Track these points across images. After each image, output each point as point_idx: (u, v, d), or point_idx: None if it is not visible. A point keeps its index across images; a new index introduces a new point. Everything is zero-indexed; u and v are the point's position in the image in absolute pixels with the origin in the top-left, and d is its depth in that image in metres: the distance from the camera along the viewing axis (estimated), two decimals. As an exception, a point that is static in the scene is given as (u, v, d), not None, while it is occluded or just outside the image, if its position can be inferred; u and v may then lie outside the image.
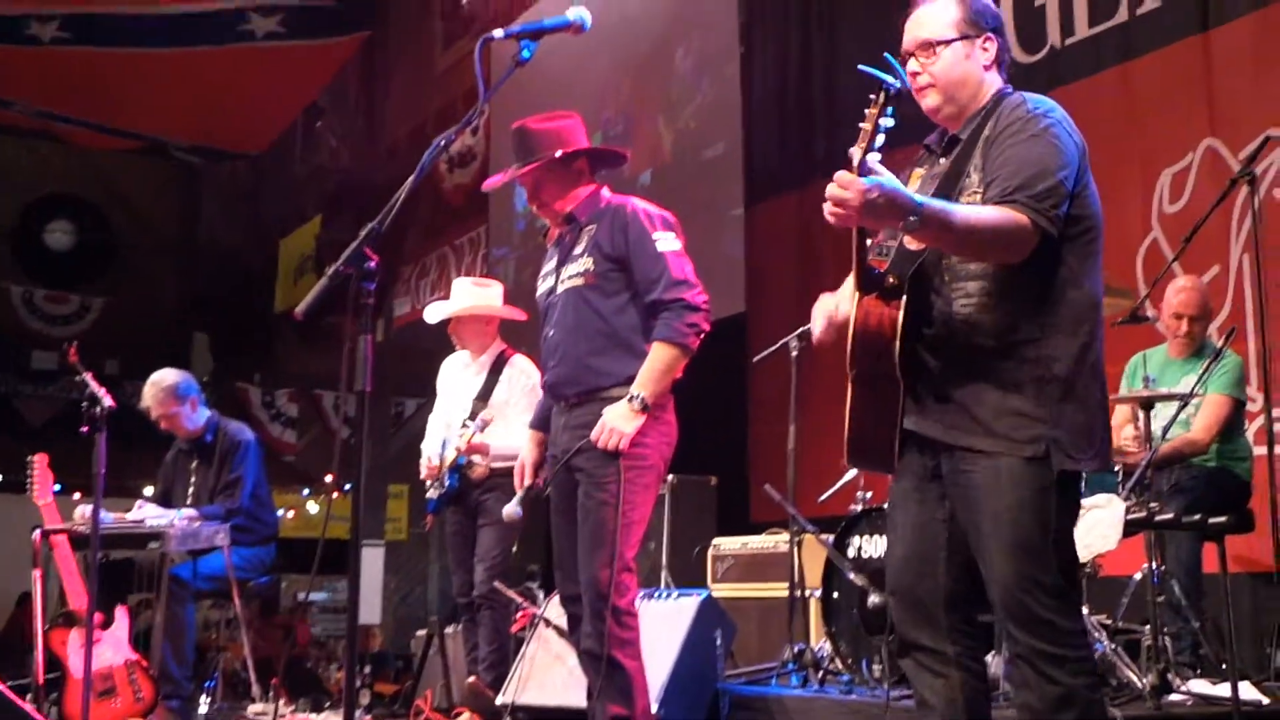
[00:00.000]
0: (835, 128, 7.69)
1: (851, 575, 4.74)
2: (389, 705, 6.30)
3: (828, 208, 2.38)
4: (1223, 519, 4.20)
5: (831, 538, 4.97)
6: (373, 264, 2.52)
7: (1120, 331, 4.32)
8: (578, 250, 3.78)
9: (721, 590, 5.80)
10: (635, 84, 9.38)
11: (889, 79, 2.40)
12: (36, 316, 15.29)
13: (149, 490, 6.22)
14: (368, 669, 7.81)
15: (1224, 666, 4.15)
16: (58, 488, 5.48)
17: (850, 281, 2.62)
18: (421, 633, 6.49)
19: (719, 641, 4.70)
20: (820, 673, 4.73)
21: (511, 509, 3.88)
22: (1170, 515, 4.16)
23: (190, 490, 5.85)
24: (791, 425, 5.15)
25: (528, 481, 3.92)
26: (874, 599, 4.61)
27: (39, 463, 5.44)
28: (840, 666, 4.76)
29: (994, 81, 2.72)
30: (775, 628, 5.41)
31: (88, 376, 4.85)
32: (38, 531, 5.36)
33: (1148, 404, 4.33)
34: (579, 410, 3.70)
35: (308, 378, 13.97)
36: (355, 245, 2.53)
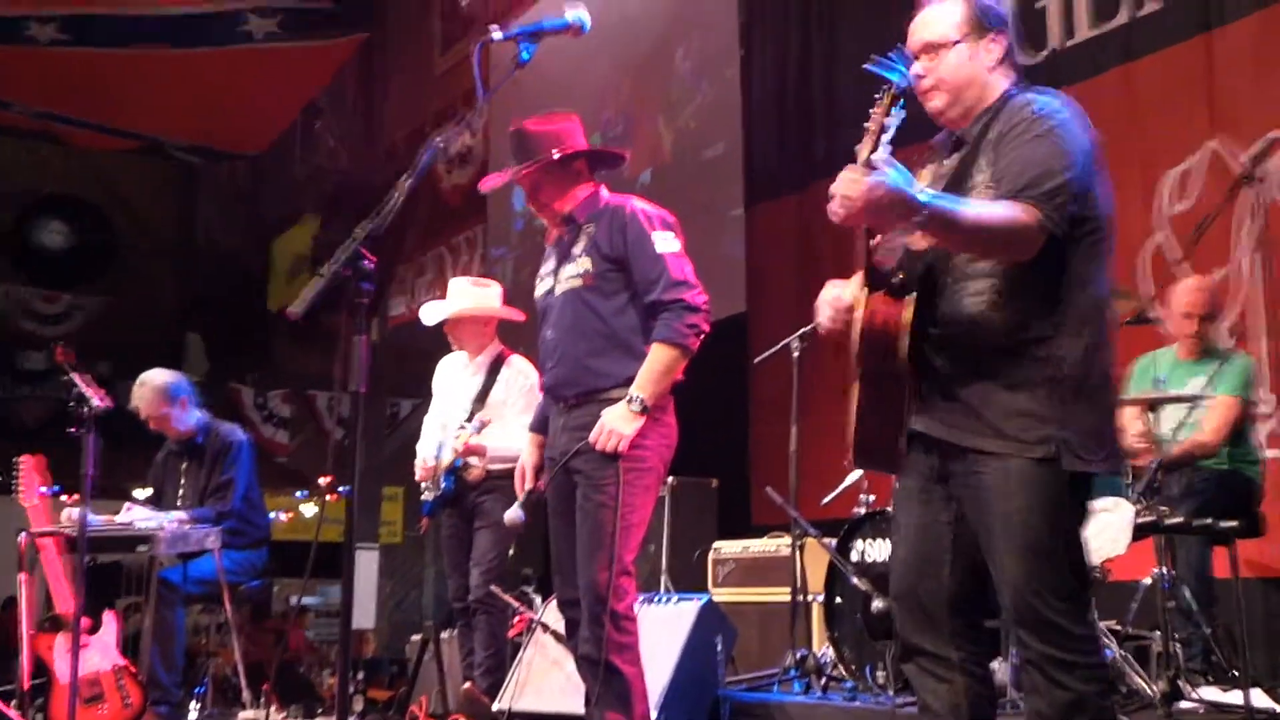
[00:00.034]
0: (835, 128, 7.66)
1: (855, 579, 4.71)
2: (383, 711, 6.27)
3: (833, 205, 2.37)
4: (1234, 523, 4.18)
5: (834, 541, 4.94)
6: (370, 264, 2.52)
7: (1126, 332, 4.29)
8: (576, 251, 3.76)
9: (722, 594, 5.76)
10: (635, 84, 9.37)
11: (895, 76, 2.39)
12: (29, 317, 15.27)
13: (139, 492, 6.16)
14: (361, 674, 7.76)
15: (1236, 673, 4.12)
16: (54, 489, 5.43)
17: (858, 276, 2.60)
18: (416, 637, 6.44)
19: (720, 647, 4.67)
20: (823, 679, 4.71)
21: (513, 514, 3.86)
22: (1180, 519, 4.13)
23: (181, 492, 5.80)
24: (793, 427, 5.13)
25: (528, 485, 3.90)
26: (878, 604, 4.58)
27: (25, 464, 5.39)
28: (843, 673, 4.74)
29: (1000, 81, 2.69)
30: (777, 633, 5.38)
31: (75, 377, 4.80)
32: (24, 534, 5.30)
33: (1156, 406, 4.29)
34: (578, 412, 3.68)
35: (302, 378, 13.95)
36: (353, 245, 2.53)
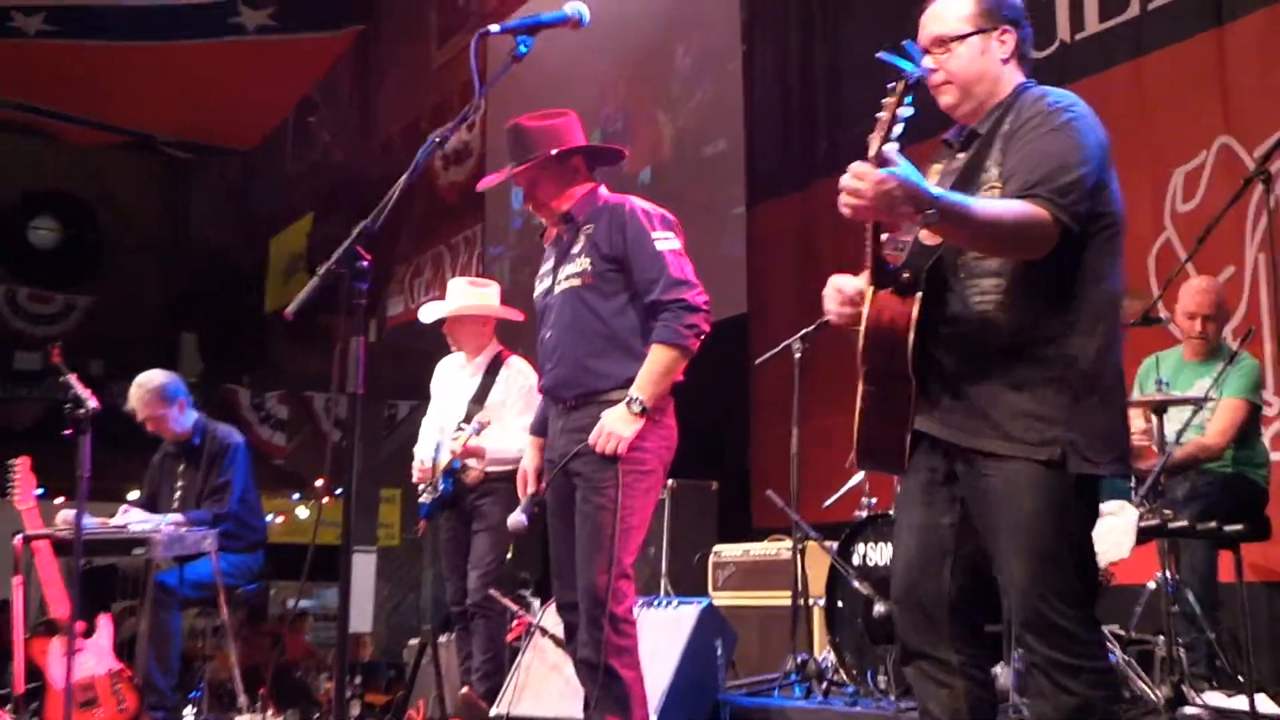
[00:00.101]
0: (838, 127, 7.69)
1: (856, 583, 4.73)
2: (380, 716, 6.29)
3: (841, 199, 2.35)
4: (1239, 526, 4.18)
5: (836, 544, 4.95)
6: (365, 263, 2.52)
7: (1133, 333, 4.30)
8: (575, 250, 3.77)
9: (722, 598, 5.78)
10: (635, 80, 9.39)
11: (908, 67, 2.36)
12: (20, 316, 15.27)
13: (134, 494, 6.20)
14: (358, 679, 7.80)
15: (1240, 678, 4.14)
16: (40, 491, 5.46)
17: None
18: (414, 641, 6.47)
19: (720, 651, 4.69)
20: (824, 684, 4.72)
21: (516, 518, 3.86)
22: (1185, 522, 4.14)
23: (177, 494, 5.83)
24: (794, 429, 5.14)
25: (531, 489, 3.89)
26: (879, 608, 4.60)
27: (21, 466, 5.42)
28: (845, 677, 4.75)
29: (1013, 75, 2.69)
30: (778, 637, 5.40)
31: (71, 378, 4.84)
32: (18, 537, 5.34)
33: (1161, 408, 4.32)
34: (577, 414, 3.70)
35: (298, 379, 13.96)
36: (347, 244, 2.52)
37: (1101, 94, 5.95)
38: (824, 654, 4.98)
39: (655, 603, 4.96)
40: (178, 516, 5.61)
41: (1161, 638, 4.02)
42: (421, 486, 5.05)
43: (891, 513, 4.82)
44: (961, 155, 2.69)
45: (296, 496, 14.10)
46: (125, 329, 14.94)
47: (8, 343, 14.79)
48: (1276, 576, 4.93)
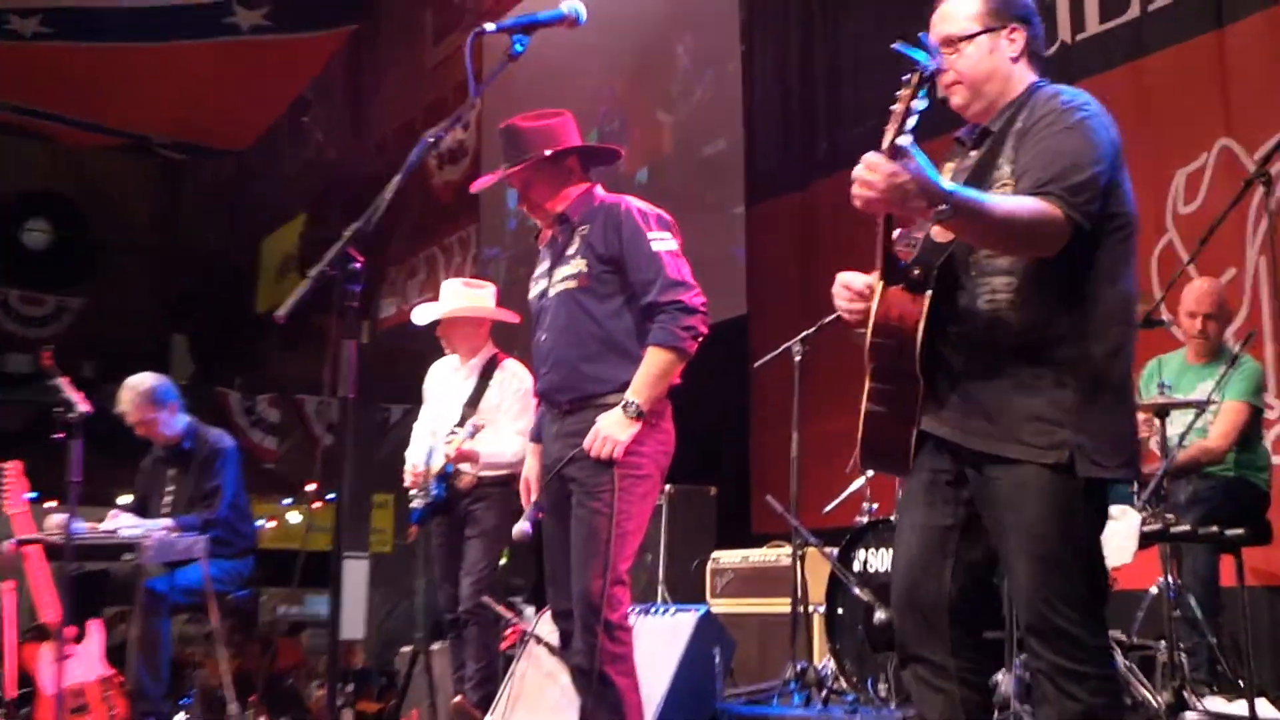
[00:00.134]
0: (837, 126, 7.71)
1: (857, 590, 4.74)
2: (372, 724, 6.28)
3: (853, 190, 2.34)
4: (1241, 531, 4.20)
5: (836, 551, 4.96)
6: (357, 265, 2.51)
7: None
8: (570, 251, 3.76)
9: (721, 606, 5.79)
10: (633, 79, 9.40)
11: (924, 59, 2.34)
12: (11, 318, 15.27)
13: (124, 499, 6.20)
14: (350, 687, 7.77)
15: (1241, 684, 4.15)
16: (31, 495, 5.46)
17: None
18: (406, 649, 6.47)
19: (718, 659, 4.69)
20: (824, 692, 4.73)
21: (520, 527, 3.86)
22: (1186, 527, 4.15)
23: (167, 499, 5.84)
24: (794, 433, 5.14)
25: (534, 497, 3.88)
26: (880, 615, 4.60)
27: (11, 470, 5.42)
28: (845, 685, 4.76)
29: (1025, 73, 2.69)
30: (777, 645, 5.40)
31: (62, 381, 4.84)
32: (9, 542, 5.34)
33: (1163, 411, 4.33)
34: (572, 418, 3.69)
35: (290, 382, 13.96)
36: (339, 246, 2.52)
37: (1102, 95, 5.87)
38: (824, 662, 4.98)
39: (652, 610, 4.97)
40: (168, 522, 5.61)
41: (1163, 643, 4.04)
42: (413, 491, 5.04)
43: (893, 518, 4.83)
44: (974, 153, 2.69)
45: (288, 501, 14.07)
46: (117, 331, 14.94)
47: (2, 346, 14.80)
48: (1278, 581, 4.94)
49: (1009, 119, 2.63)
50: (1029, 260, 2.49)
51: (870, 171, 2.31)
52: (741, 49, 8.40)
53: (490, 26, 2.83)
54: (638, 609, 4.72)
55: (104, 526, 5.62)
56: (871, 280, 2.57)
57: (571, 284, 3.72)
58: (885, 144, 2.31)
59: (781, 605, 5.35)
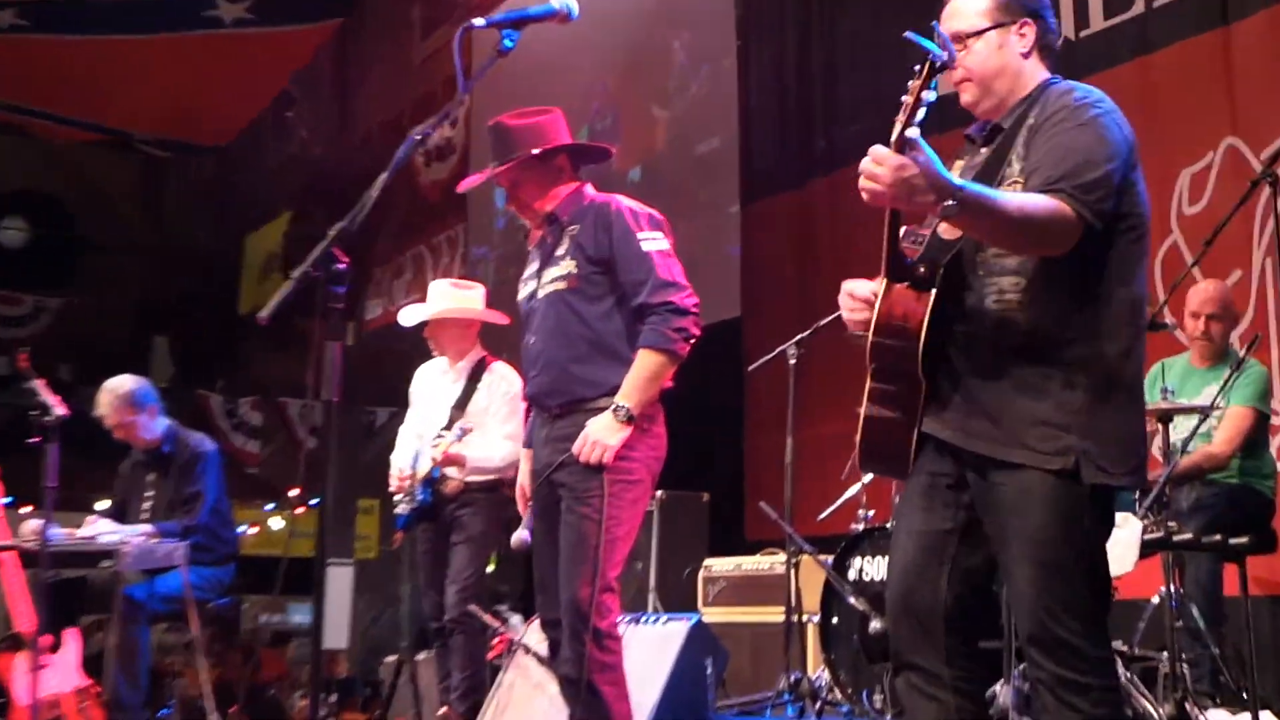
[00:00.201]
0: (834, 124, 7.72)
1: (852, 599, 4.74)
2: (357, 736, 6.28)
3: (860, 183, 2.33)
4: (1244, 539, 4.21)
5: (831, 559, 4.97)
6: (342, 266, 2.51)
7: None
8: (559, 252, 3.77)
9: (713, 614, 5.80)
10: (626, 75, 9.41)
11: (936, 49, 2.32)
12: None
13: (103, 504, 6.19)
14: (333, 697, 7.78)
15: (1245, 695, 4.16)
16: (6, 501, 5.45)
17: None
18: (391, 659, 6.47)
19: (710, 670, 4.70)
20: (818, 703, 4.74)
21: (519, 535, 3.87)
22: (1189, 535, 4.16)
23: (146, 505, 5.83)
24: (789, 438, 5.15)
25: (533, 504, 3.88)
26: (876, 624, 4.61)
27: (-16, 476, 5.42)
28: (839, 696, 4.77)
29: (1036, 69, 2.69)
30: (770, 655, 5.41)
31: (38, 384, 4.84)
32: (-17, 548, 5.33)
33: (1166, 417, 4.34)
34: (562, 422, 3.69)
35: (273, 384, 13.95)
36: (323, 246, 2.52)
37: (1107, 92, 5.98)
38: (818, 672, 4.99)
39: (643, 619, 4.98)
40: (147, 528, 5.62)
41: (1165, 654, 4.04)
42: (398, 497, 5.04)
43: (889, 526, 4.84)
44: (984, 150, 2.69)
45: (270, 507, 14.06)
46: (96, 332, 14.92)
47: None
48: (1283, 590, 4.96)
49: (1020, 115, 2.62)
50: (1038, 260, 2.48)
51: (877, 164, 2.30)
52: (737, 45, 8.41)
53: (479, 21, 2.83)
54: (627, 618, 4.72)
55: (81, 533, 5.62)
56: (876, 287, 2.55)
57: (561, 285, 3.72)
58: (894, 136, 2.29)
59: (775, 614, 5.35)
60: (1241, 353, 4.75)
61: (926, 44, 2.32)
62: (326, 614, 2.80)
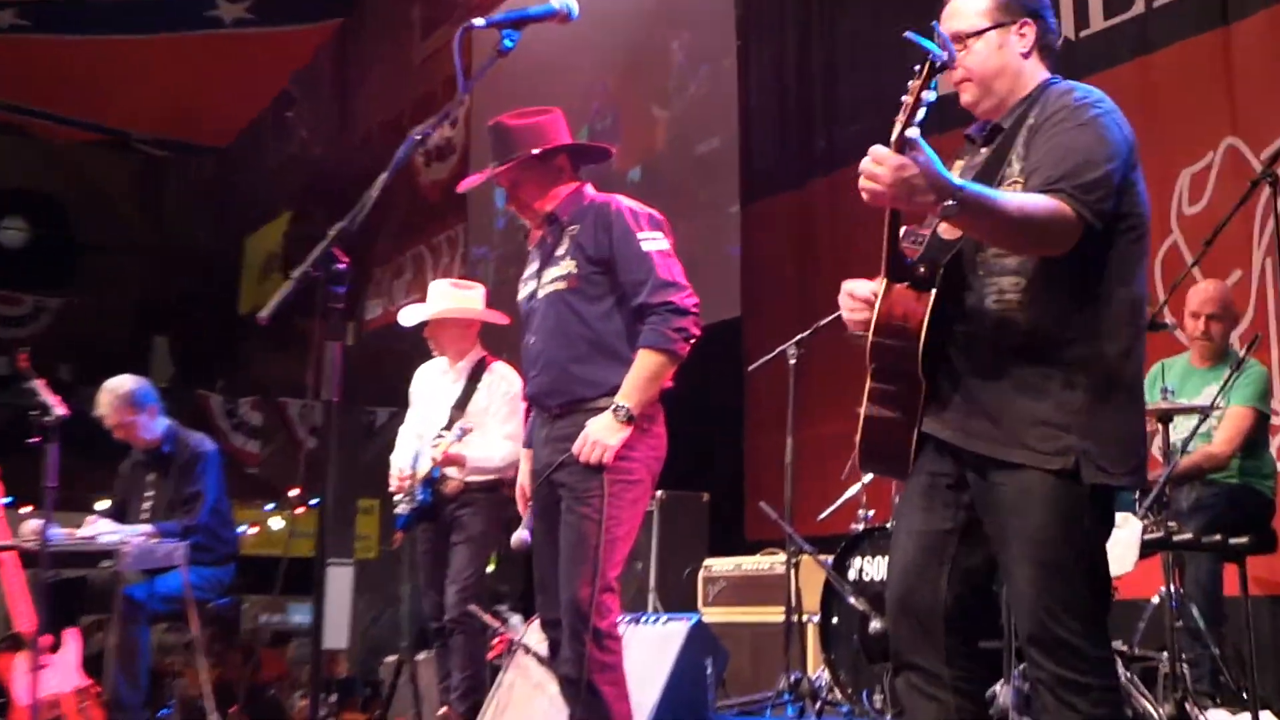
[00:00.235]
0: (835, 124, 7.72)
1: (852, 599, 4.75)
2: (356, 735, 6.29)
3: (860, 183, 2.33)
4: (1244, 539, 4.21)
5: (831, 559, 4.97)
6: (342, 266, 2.51)
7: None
8: (559, 252, 3.77)
9: (713, 614, 5.80)
10: (626, 75, 9.42)
11: (935, 49, 2.32)
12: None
13: (102, 504, 6.20)
14: (333, 697, 7.79)
15: (1245, 695, 4.16)
16: (7, 500, 5.46)
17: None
18: (391, 659, 6.48)
19: (710, 670, 4.70)
20: (818, 703, 4.75)
21: (520, 535, 3.87)
22: (1189, 535, 4.16)
23: (146, 504, 5.84)
24: (789, 438, 5.16)
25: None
26: (876, 624, 4.62)
27: (-15, 475, 5.43)
28: (839, 697, 4.77)
29: (1036, 69, 2.69)
30: (770, 655, 5.41)
31: (38, 384, 4.84)
32: (-17, 548, 5.34)
33: (1166, 417, 4.34)
34: (562, 422, 3.70)
35: (273, 384, 13.95)
36: (323, 246, 2.52)
37: (1106, 92, 5.97)
38: (818, 673, 4.99)
39: (643, 619, 4.98)
40: (147, 528, 5.62)
41: (1164, 654, 4.04)
42: (398, 497, 5.05)
43: (889, 526, 4.85)
44: (984, 150, 2.70)
45: (270, 507, 14.06)
46: (96, 332, 14.93)
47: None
48: (1283, 590, 4.96)
49: (1020, 115, 2.63)
50: (1038, 260, 2.49)
51: (877, 164, 2.30)
52: (737, 44, 8.42)
53: (479, 21, 2.83)
54: (627, 618, 4.73)
55: (81, 533, 5.62)
56: (876, 287, 2.56)
57: (561, 285, 3.72)
58: (893, 136, 2.30)
59: (775, 614, 5.36)
60: (1241, 353, 4.75)
61: (926, 44, 2.32)
62: (326, 614, 2.81)
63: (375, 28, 13.25)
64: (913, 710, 2.63)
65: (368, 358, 11.40)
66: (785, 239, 7.98)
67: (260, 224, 15.25)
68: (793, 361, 5.20)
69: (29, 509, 6.63)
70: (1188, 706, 3.91)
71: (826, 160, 7.68)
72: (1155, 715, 3.91)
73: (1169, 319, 4.92)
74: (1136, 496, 4.26)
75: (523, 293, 3.93)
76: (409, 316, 5.28)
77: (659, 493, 6.25)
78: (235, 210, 16.10)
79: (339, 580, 11.34)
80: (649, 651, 4.62)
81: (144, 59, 12.54)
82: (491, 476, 4.99)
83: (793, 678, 4.89)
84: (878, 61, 6.95)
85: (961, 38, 2.67)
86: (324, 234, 2.53)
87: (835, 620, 4.95)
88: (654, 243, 3.70)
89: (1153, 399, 4.63)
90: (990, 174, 2.58)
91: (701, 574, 6.14)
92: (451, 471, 4.97)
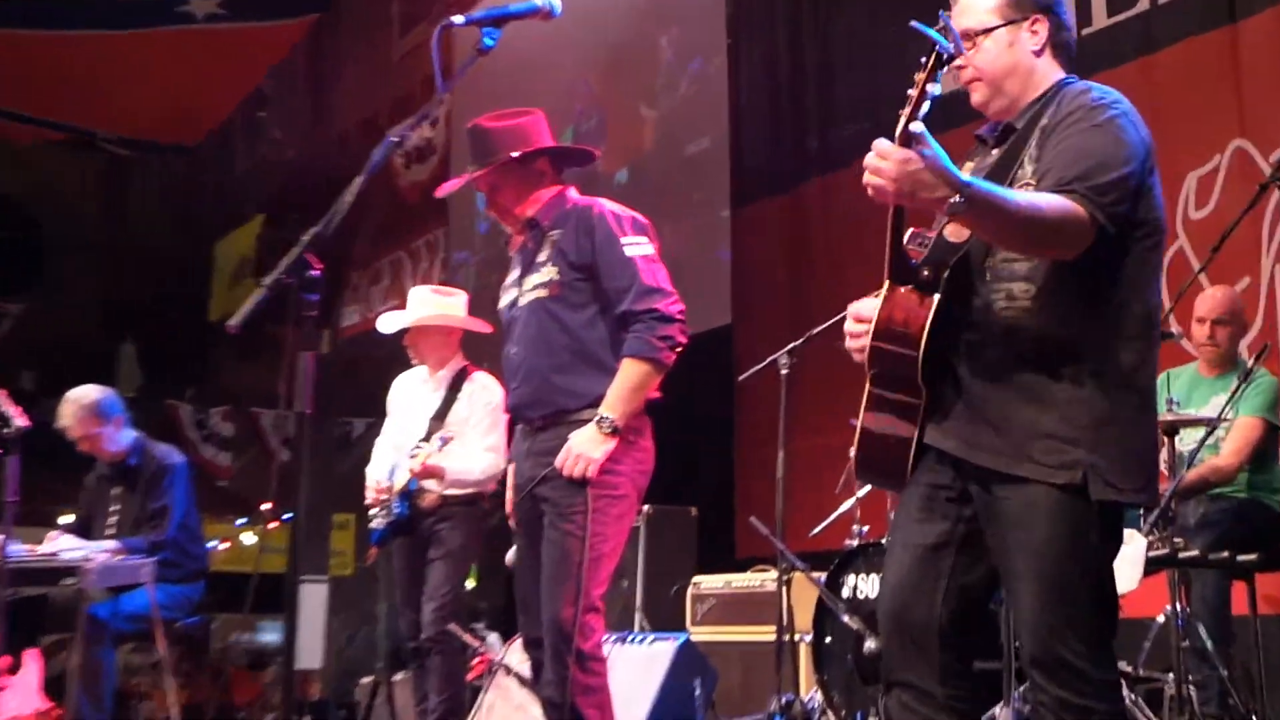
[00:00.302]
0: (829, 125, 7.73)
1: (845, 618, 4.74)
2: (331, 760, 6.27)
3: (864, 179, 2.32)
4: (1253, 556, 4.21)
5: (824, 576, 4.97)
6: (315, 273, 2.50)
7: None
8: (541, 258, 3.77)
9: (702, 633, 5.80)
10: (612, 73, 9.42)
11: (942, 39, 2.31)
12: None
13: (65, 519, 6.18)
14: (307, 720, 7.75)
15: (1253, 717, 4.16)
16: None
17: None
18: (367, 680, 6.46)
19: (698, 691, 4.70)
20: (810, 725, 4.74)
21: (514, 554, 3.87)
22: (1196, 551, 4.16)
23: (112, 519, 5.83)
24: (780, 451, 5.14)
25: None
26: (870, 644, 4.61)
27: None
28: (833, 718, 4.76)
29: (1050, 68, 2.69)
30: (761, 676, 5.40)
31: (-2, 393, 4.83)
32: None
33: (1172, 429, 4.34)
34: (544, 434, 3.70)
35: (245, 394, 13.92)
36: (296, 252, 2.52)
37: (1110, 92, 6.00)
38: (810, 694, 4.99)
39: (629, 638, 4.98)
40: (112, 544, 5.60)
41: (1171, 675, 4.04)
42: (374, 511, 5.03)
43: (884, 542, 4.84)
44: (996, 151, 2.68)
45: (242, 521, 14.02)
46: (59, 339, 14.87)
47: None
48: (1292, 609, 4.96)
49: (1034, 116, 2.61)
50: (1050, 265, 2.47)
51: (881, 158, 2.29)
52: (728, 42, 8.43)
53: (459, 19, 2.82)
54: (613, 637, 4.73)
55: (43, 549, 5.61)
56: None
57: (543, 293, 3.73)
58: (898, 129, 2.28)
59: (766, 633, 5.35)
60: (1250, 363, 4.75)
61: (932, 34, 2.31)
62: (299, 633, 2.80)
63: (352, 24, 13.24)
64: None
65: (344, 366, 11.38)
66: (777, 243, 7.98)
67: (231, 227, 15.22)
68: (785, 371, 5.19)
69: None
70: (1194, 729, 3.91)
71: (820, 162, 7.69)
72: (1161, 739, 3.92)
73: (1175, 328, 4.92)
74: (1141, 511, 4.26)
75: (503, 301, 3.93)
76: (388, 324, 5.26)
77: (645, 507, 6.24)
78: (205, 213, 16.07)
79: (313, 598, 11.30)
80: (635, 672, 4.62)
81: (111, 55, 12.49)
82: (471, 489, 4.98)
83: (784, 699, 4.88)
84: (874, 61, 6.95)
85: (971, 35, 2.66)
86: (298, 239, 2.53)
87: (828, 640, 4.95)
88: (638, 248, 3.70)
89: (1158, 410, 4.64)
90: (1002, 175, 2.56)
91: (690, 592, 6.13)
92: (430, 484, 4.96)
